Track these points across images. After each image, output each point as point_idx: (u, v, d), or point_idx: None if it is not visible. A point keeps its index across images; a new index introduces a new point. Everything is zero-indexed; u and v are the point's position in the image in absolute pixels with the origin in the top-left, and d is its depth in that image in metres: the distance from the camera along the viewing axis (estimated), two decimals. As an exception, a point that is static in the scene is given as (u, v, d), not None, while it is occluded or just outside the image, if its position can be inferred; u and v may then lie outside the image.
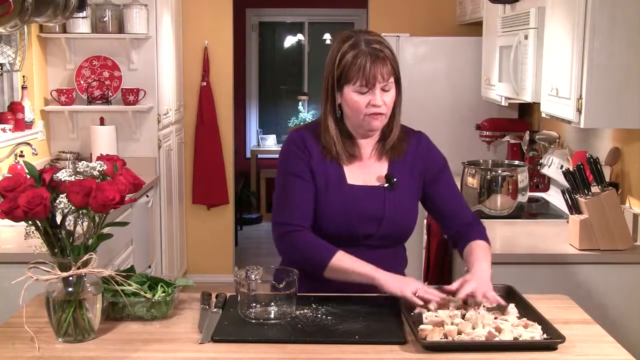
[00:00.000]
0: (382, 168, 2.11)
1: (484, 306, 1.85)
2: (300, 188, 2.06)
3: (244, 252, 6.29)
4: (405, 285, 1.89)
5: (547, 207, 3.63)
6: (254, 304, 1.83)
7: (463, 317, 1.80)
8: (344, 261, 1.97)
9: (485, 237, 2.14)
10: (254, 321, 1.81)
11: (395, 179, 2.08)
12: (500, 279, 2.58)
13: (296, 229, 2.03)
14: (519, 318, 1.81)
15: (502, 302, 1.87)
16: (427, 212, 2.21)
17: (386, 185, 2.08)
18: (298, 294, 1.92)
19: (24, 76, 4.02)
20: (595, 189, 2.73)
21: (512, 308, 1.86)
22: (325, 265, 1.97)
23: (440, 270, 3.37)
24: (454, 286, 1.91)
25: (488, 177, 3.30)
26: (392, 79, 2.02)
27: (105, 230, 1.77)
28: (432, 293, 1.86)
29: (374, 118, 2.02)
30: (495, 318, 1.79)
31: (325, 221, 2.05)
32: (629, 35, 2.62)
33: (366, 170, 2.10)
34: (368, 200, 2.06)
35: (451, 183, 2.20)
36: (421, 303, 1.85)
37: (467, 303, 1.86)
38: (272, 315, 1.82)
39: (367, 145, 2.11)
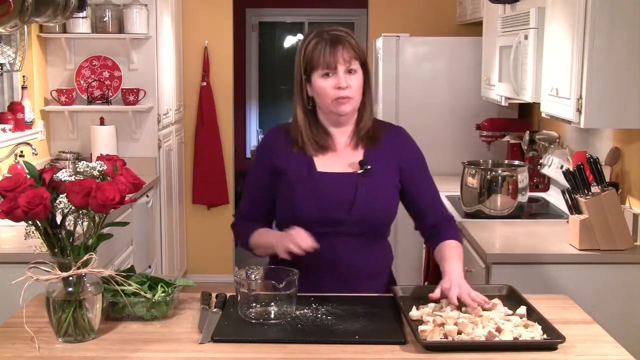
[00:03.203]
0: (357, 156, 2.12)
1: (482, 307, 1.86)
2: (253, 185, 2.21)
3: (244, 252, 6.28)
4: (281, 240, 2.00)
5: (547, 207, 3.63)
6: (254, 304, 1.83)
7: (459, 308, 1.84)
8: (254, 237, 2.15)
9: (457, 237, 2.17)
10: (254, 321, 1.81)
11: (369, 166, 2.09)
12: (500, 279, 2.59)
13: (235, 225, 2.25)
14: (521, 317, 1.81)
15: (486, 300, 1.88)
16: (404, 206, 2.22)
17: (360, 171, 2.09)
18: (298, 294, 1.92)
19: (24, 76, 4.02)
20: (595, 189, 2.73)
21: (497, 300, 1.89)
22: (247, 246, 2.19)
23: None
24: (437, 294, 1.91)
25: (488, 177, 3.30)
26: (356, 63, 2.04)
27: (105, 230, 1.77)
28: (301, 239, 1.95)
29: (342, 102, 2.05)
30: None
31: (298, 210, 2.07)
32: (629, 35, 2.62)
33: (339, 159, 2.11)
34: (339, 186, 2.07)
35: (429, 179, 2.21)
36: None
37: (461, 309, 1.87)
38: (272, 315, 1.82)
39: (341, 135, 2.13)
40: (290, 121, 2.20)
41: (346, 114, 2.08)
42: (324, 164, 2.10)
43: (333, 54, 2.01)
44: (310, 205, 2.05)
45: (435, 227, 2.17)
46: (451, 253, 2.07)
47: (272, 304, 1.83)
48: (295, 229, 1.99)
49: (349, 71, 2.03)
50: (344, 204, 2.06)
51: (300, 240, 1.95)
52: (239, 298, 1.85)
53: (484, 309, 1.86)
